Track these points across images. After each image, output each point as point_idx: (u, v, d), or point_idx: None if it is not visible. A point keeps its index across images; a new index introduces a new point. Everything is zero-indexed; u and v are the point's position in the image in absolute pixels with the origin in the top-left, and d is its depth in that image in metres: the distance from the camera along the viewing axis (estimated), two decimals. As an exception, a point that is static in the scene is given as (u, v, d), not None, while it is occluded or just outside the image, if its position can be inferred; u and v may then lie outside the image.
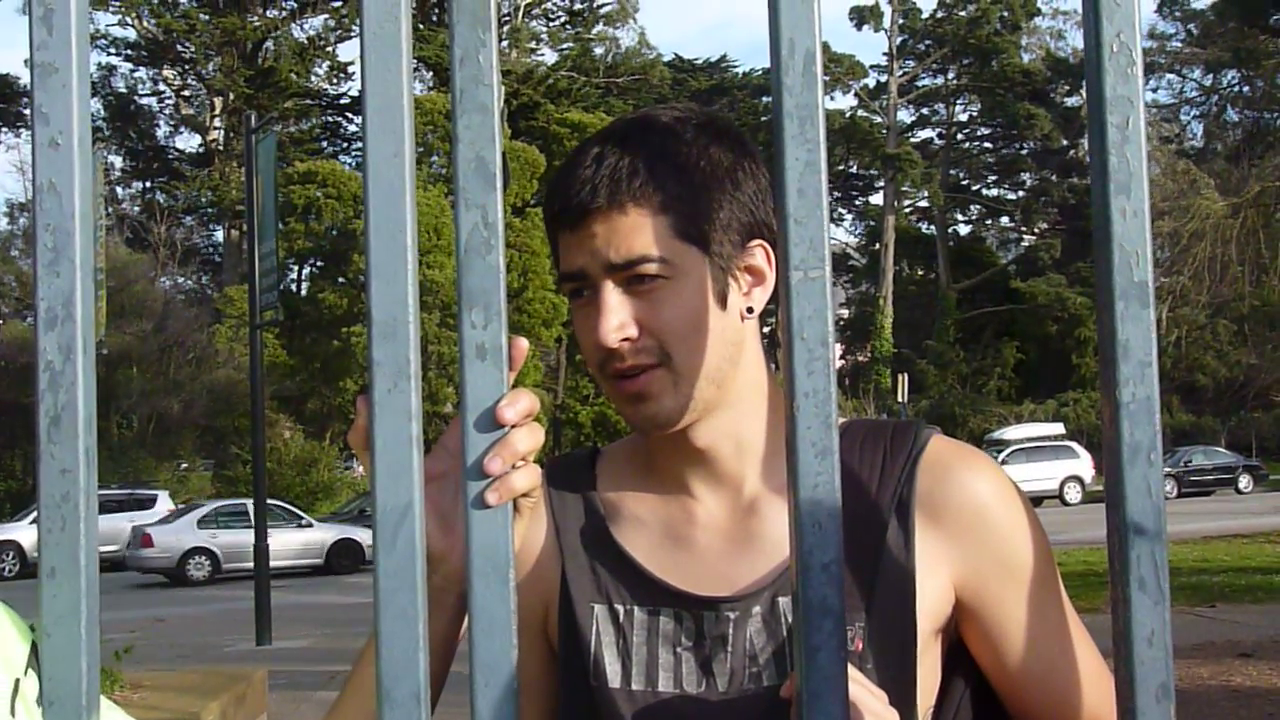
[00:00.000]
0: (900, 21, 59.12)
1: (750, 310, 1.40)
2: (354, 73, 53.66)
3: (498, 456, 1.10)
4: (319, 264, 43.52)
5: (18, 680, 1.10)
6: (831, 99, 57.89)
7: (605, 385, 1.39)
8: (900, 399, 38.99)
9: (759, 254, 1.40)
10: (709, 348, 1.36)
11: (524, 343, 1.18)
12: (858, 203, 64.62)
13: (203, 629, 17.15)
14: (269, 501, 24.67)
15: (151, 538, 26.12)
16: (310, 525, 27.28)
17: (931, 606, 1.40)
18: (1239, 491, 37.89)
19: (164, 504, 31.36)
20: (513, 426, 1.12)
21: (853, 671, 1.27)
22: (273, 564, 17.39)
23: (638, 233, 1.33)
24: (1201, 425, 47.77)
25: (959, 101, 61.86)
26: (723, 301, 1.38)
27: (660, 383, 1.36)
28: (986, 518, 1.42)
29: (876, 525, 1.40)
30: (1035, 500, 34.33)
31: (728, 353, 1.39)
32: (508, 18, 52.01)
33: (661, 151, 1.36)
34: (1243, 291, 29.22)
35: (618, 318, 1.33)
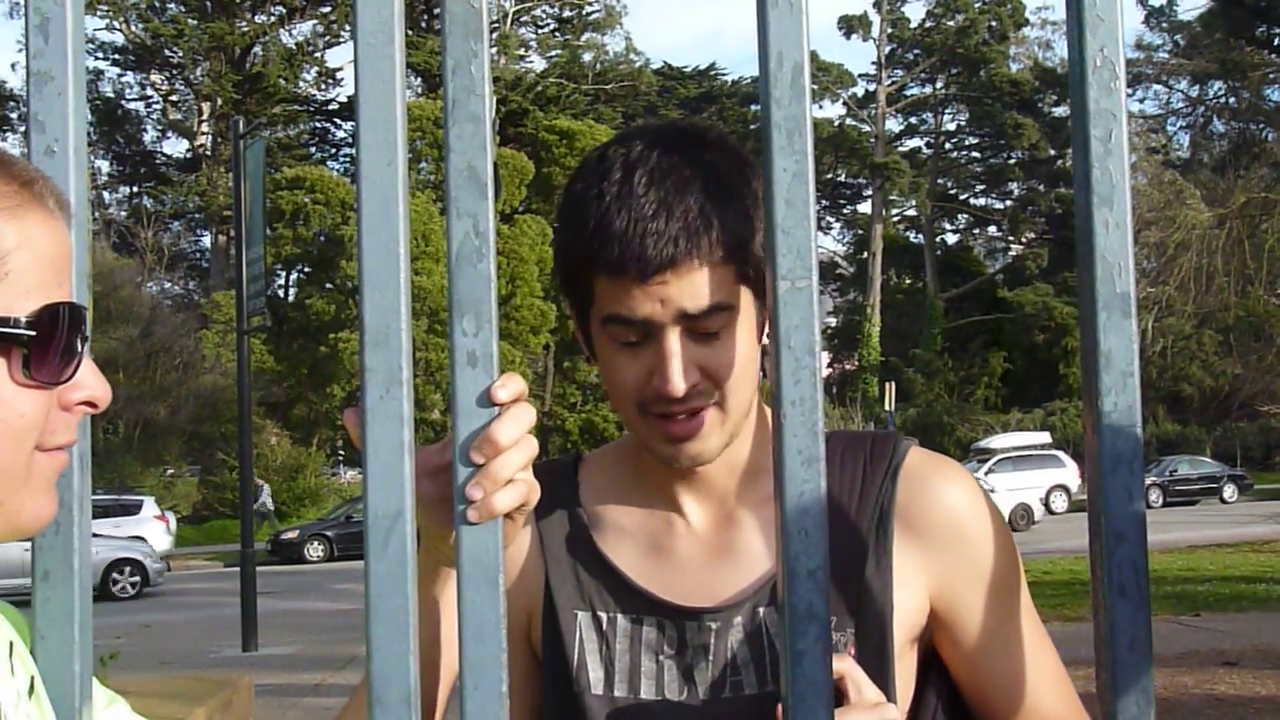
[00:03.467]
0: (889, 31, 59.25)
1: (765, 333, 1.41)
2: (343, 79, 53.64)
3: (479, 485, 1.11)
4: (306, 270, 43.43)
5: (33, 677, 1.11)
6: (820, 108, 58.00)
7: (644, 423, 1.38)
8: (887, 407, 39.02)
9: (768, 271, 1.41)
10: (749, 383, 1.38)
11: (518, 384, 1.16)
12: (846, 211, 64.71)
13: (189, 635, 17.09)
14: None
15: None
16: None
17: (908, 615, 1.42)
18: (1224, 501, 37.95)
19: (150, 510, 31.24)
20: (505, 426, 1.11)
21: (846, 660, 1.28)
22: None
23: (714, 282, 1.32)
24: (1187, 435, 47.88)
25: (947, 111, 61.99)
26: (760, 334, 1.39)
27: (712, 423, 1.36)
28: (962, 529, 1.44)
29: (859, 536, 1.42)
30: (1021, 510, 34.38)
31: (756, 382, 1.40)
32: (496, 25, 52.01)
33: (722, 193, 1.34)
34: (1228, 302, 29.29)
35: (687, 365, 1.32)
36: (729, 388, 1.35)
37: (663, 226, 1.30)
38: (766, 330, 1.42)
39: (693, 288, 1.31)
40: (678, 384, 1.32)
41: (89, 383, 1.05)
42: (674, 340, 1.32)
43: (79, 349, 1.03)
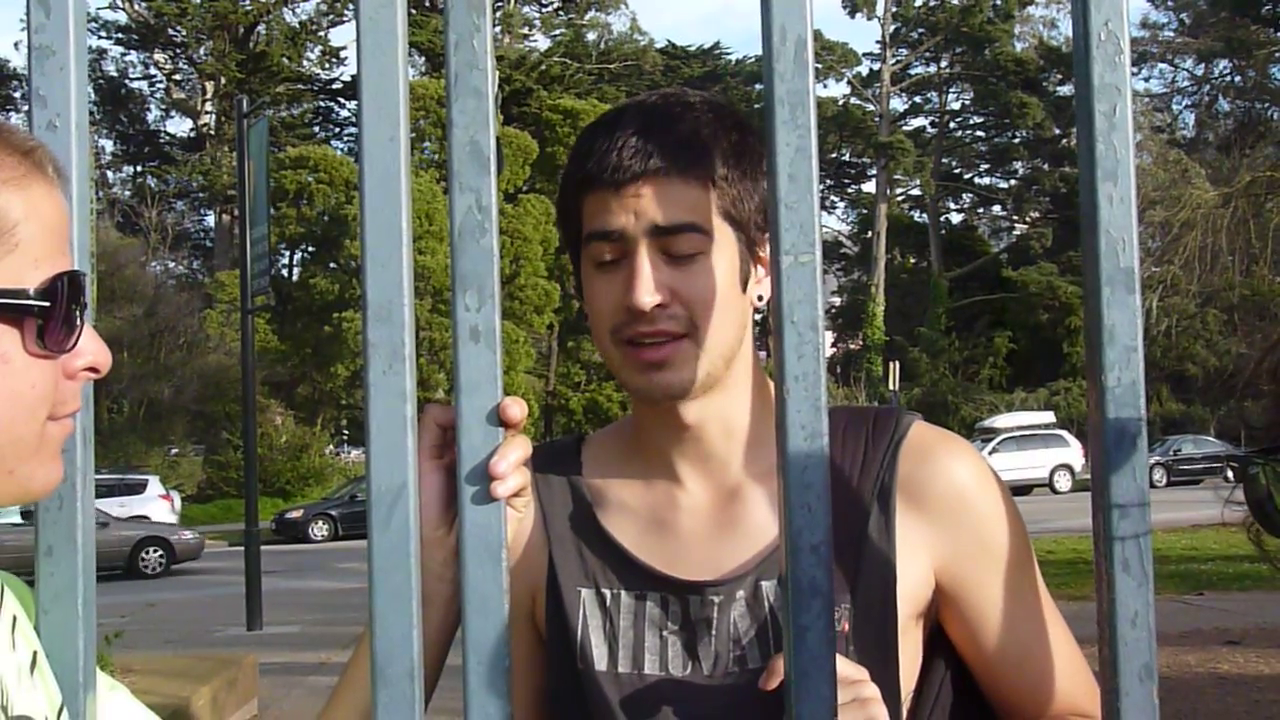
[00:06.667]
0: (893, 9, 59.02)
1: (760, 298, 1.43)
2: (346, 57, 53.51)
3: (503, 459, 1.15)
4: (310, 249, 43.41)
5: (35, 653, 1.11)
6: (824, 87, 57.86)
7: (618, 351, 1.39)
8: (892, 387, 39.01)
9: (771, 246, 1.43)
10: (728, 326, 1.38)
11: (523, 405, 1.20)
12: (850, 191, 64.57)
13: (194, 614, 17.14)
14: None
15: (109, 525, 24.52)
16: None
17: (912, 591, 1.42)
18: (1228, 480, 37.84)
19: (155, 489, 31.32)
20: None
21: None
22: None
23: (687, 201, 1.35)
24: (1191, 414, 47.81)
25: (951, 90, 61.80)
26: (744, 284, 1.41)
27: (683, 353, 1.37)
28: (967, 503, 1.43)
29: (859, 510, 1.42)
30: (1024, 489, 34.42)
31: (739, 334, 1.41)
32: (500, 3, 51.88)
33: (706, 132, 1.38)
34: (1233, 281, 29.26)
35: (658, 285, 1.34)
36: (702, 318, 1.36)
37: (641, 143, 1.35)
38: (760, 294, 1.42)
39: (666, 201, 1.34)
40: (643, 296, 1.33)
41: (90, 348, 1.05)
42: (645, 254, 1.35)
43: (80, 316, 1.04)
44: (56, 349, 1.01)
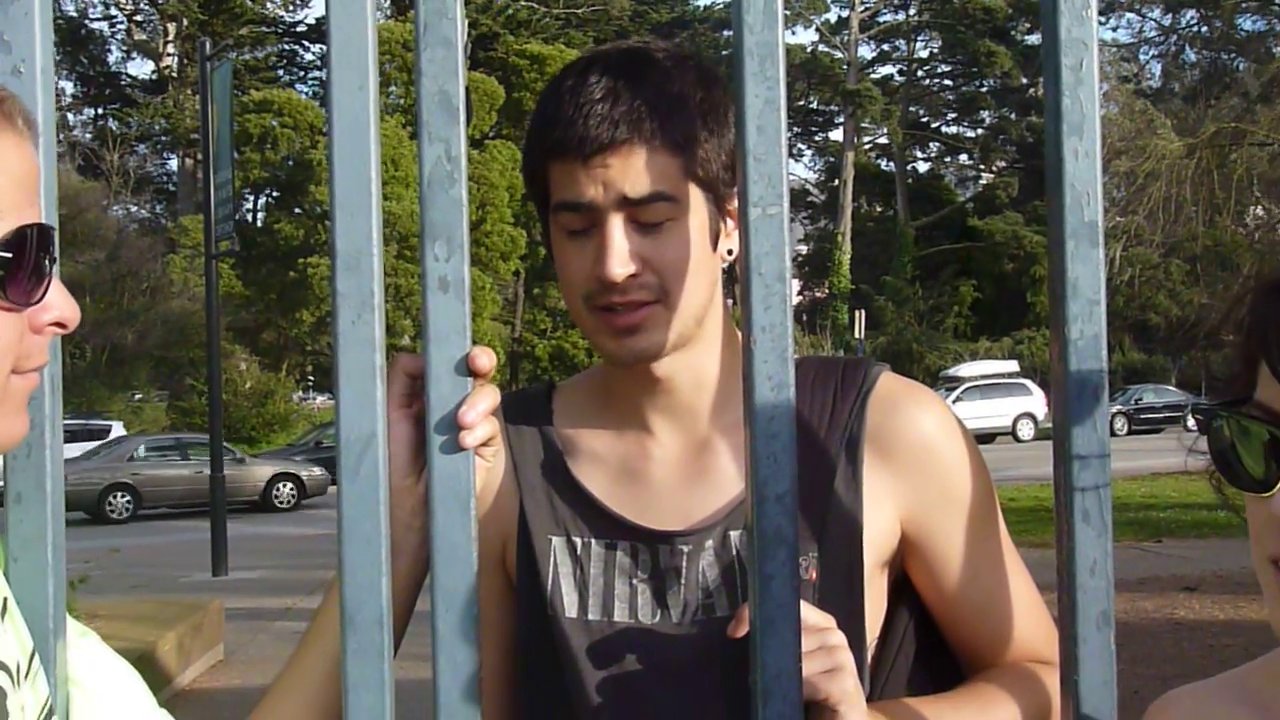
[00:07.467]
0: (863, -44, 58.74)
1: (730, 252, 1.43)
2: (311, 0, 52.87)
3: (471, 409, 1.18)
4: (275, 194, 43.04)
5: (5, 599, 1.11)
6: (792, 34, 57.59)
7: (590, 317, 1.40)
8: (858, 335, 39.17)
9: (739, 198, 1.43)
10: (699, 287, 1.39)
11: (491, 355, 1.21)
12: (817, 139, 64.42)
13: (159, 560, 17.12)
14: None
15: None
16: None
17: (878, 539, 1.44)
18: (1188, 429, 38.29)
19: (118, 434, 31.16)
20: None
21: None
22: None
23: (655, 170, 1.34)
24: (1153, 364, 48.19)
25: (920, 38, 61.63)
26: (715, 242, 1.41)
27: (656, 318, 1.37)
28: (933, 452, 1.45)
29: (827, 460, 1.43)
30: (988, 437, 34.65)
31: (710, 292, 1.42)
32: (467, -54, 51.22)
33: (673, 91, 1.37)
34: (1196, 232, 29.42)
35: (626, 251, 1.34)
36: (673, 284, 1.37)
37: (607, 110, 1.33)
38: (730, 248, 1.43)
39: (634, 172, 1.33)
40: (614, 269, 1.33)
41: (58, 303, 1.04)
42: (615, 226, 1.34)
43: (48, 270, 1.02)
44: (21, 302, 1.00)
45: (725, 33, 53.53)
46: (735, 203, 1.38)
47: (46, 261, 1.02)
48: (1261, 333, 0.92)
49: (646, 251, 1.35)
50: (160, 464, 25.91)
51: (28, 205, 1.01)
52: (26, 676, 1.10)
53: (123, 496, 25.27)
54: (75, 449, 27.87)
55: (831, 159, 61.85)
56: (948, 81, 62.86)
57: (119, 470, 25.66)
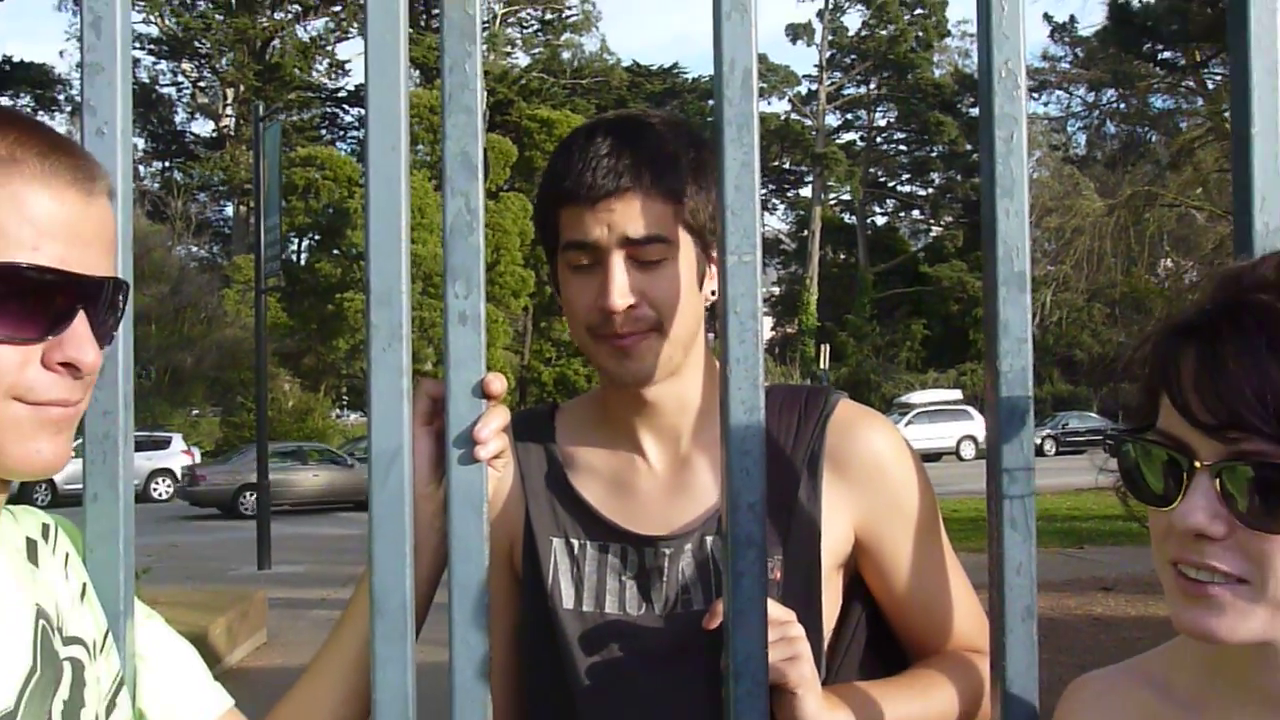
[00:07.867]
0: (830, 37, 58.96)
1: (713, 292, 1.44)
2: (350, 69, 52.94)
3: (485, 426, 1.19)
4: (316, 237, 42.95)
5: (85, 584, 1.12)
6: (768, 104, 57.75)
7: (593, 344, 1.41)
8: (823, 366, 39.16)
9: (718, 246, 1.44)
10: (688, 320, 1.41)
11: (503, 380, 1.22)
12: (789, 195, 64.48)
13: (211, 554, 17.03)
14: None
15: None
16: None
17: (834, 545, 1.45)
18: (1107, 452, 38.17)
19: (178, 445, 31.04)
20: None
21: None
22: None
23: (652, 215, 1.36)
24: (1077, 394, 48.20)
25: (879, 109, 61.82)
26: (700, 283, 1.43)
27: (651, 346, 1.39)
28: (884, 470, 1.46)
29: (792, 475, 1.44)
30: (934, 456, 34.61)
31: (696, 325, 1.43)
32: (486, 25, 51.41)
33: (667, 151, 1.39)
34: (1115, 280, 29.55)
35: (626, 285, 1.36)
36: (667, 316, 1.38)
37: (611, 164, 1.36)
38: (712, 289, 1.44)
39: (634, 216, 1.35)
40: (615, 300, 1.35)
41: (74, 346, 0.95)
42: (617, 262, 1.36)
43: (62, 311, 0.94)
44: (10, 334, 0.92)
45: (709, 102, 53.58)
46: (715, 252, 1.40)
47: (44, 303, 0.93)
48: (1163, 368, 0.93)
49: (644, 286, 1.37)
50: (281, 469, 25.57)
51: (31, 247, 0.93)
52: (102, 651, 1.10)
53: (253, 495, 25.09)
54: (141, 457, 27.77)
55: (801, 212, 61.92)
56: (903, 147, 63.00)
57: (250, 473, 25.60)
